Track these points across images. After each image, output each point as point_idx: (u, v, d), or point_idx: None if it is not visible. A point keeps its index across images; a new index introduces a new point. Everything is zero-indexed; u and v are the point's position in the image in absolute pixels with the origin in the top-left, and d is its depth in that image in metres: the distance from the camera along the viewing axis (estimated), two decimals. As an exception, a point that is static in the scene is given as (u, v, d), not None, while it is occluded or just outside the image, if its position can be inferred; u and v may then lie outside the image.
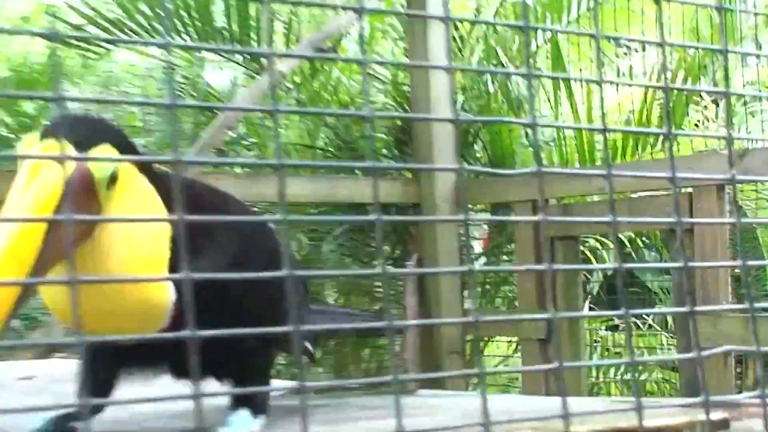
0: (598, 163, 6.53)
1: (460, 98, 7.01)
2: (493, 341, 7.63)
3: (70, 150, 1.59)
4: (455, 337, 6.70)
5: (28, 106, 7.17)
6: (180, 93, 7.20)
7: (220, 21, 6.66)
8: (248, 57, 6.85)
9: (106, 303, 1.63)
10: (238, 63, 7.22)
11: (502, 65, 6.93)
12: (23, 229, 1.53)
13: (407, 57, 6.76)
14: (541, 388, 5.87)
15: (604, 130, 1.42)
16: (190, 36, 6.61)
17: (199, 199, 1.95)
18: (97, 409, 1.92)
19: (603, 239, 7.31)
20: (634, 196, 5.75)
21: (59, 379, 2.78)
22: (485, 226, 7.77)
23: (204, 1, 6.19)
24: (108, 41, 6.53)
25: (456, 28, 6.79)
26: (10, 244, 1.51)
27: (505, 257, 7.40)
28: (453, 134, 6.47)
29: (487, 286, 7.28)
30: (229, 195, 2.19)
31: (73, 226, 1.57)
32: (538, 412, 1.76)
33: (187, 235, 1.69)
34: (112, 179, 1.63)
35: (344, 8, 5.64)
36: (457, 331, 6.70)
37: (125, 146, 1.73)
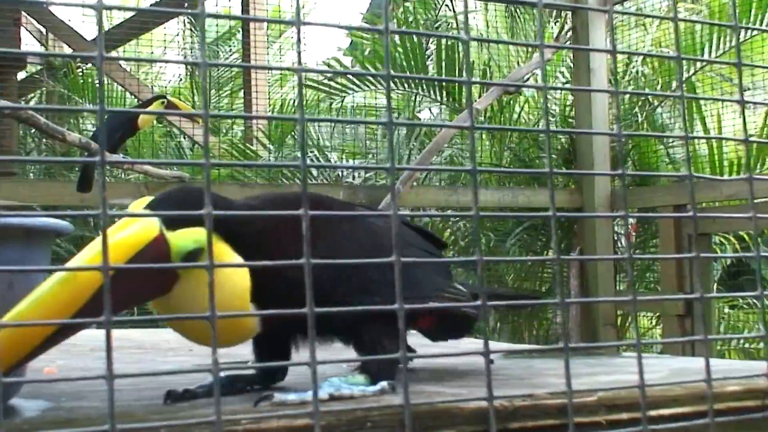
0: (726, 175, 6.27)
1: (615, 127, 6.85)
2: (639, 316, 7.39)
3: (155, 225, 1.41)
4: (610, 311, 6.55)
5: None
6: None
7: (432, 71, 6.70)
8: (452, 98, 6.86)
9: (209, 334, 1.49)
10: (442, 103, 7.23)
11: (648, 101, 6.74)
12: (76, 277, 1.32)
13: (573, 97, 6.66)
14: (678, 353, 5.68)
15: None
16: (408, 81, 6.67)
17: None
18: (273, 378, 1.71)
19: (726, 236, 7.04)
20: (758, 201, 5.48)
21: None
22: (630, 225, 7.57)
23: (421, 57, 6.25)
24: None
25: (613, 73, 6.64)
26: (60, 287, 1.30)
27: (645, 250, 7.20)
28: (608, 153, 6.33)
29: (635, 272, 7.07)
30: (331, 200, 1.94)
31: (147, 281, 1.43)
32: (736, 373, 1.66)
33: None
34: (192, 254, 1.42)
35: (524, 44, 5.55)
36: (610, 307, 6.54)
37: (221, 226, 1.43)
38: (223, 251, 1.46)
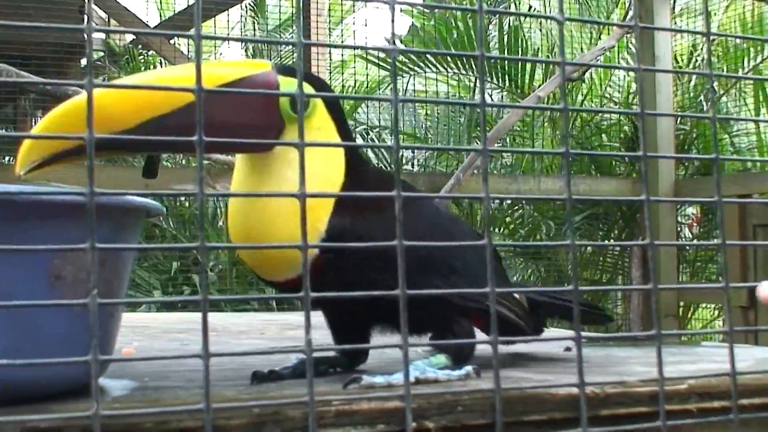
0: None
1: (679, 112, 6.76)
2: (700, 307, 7.29)
3: (272, 69, 1.36)
4: (671, 302, 6.46)
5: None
6: (461, 113, 7.20)
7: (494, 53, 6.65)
8: (514, 84, 6.81)
9: (268, 216, 1.36)
10: (504, 88, 7.17)
11: (713, 90, 6.61)
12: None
13: (636, 84, 6.59)
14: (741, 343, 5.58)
15: None
16: (472, 68, 6.64)
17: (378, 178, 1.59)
18: (356, 360, 1.61)
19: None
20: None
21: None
22: (694, 216, 7.48)
23: (484, 38, 6.18)
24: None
25: (676, 60, 6.55)
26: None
27: (709, 240, 7.08)
28: (672, 141, 6.25)
29: (698, 263, 6.98)
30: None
31: (251, 114, 1.34)
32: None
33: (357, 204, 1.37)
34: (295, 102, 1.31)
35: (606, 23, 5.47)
36: (672, 298, 6.46)
37: (323, 90, 1.45)
38: (326, 122, 1.40)
